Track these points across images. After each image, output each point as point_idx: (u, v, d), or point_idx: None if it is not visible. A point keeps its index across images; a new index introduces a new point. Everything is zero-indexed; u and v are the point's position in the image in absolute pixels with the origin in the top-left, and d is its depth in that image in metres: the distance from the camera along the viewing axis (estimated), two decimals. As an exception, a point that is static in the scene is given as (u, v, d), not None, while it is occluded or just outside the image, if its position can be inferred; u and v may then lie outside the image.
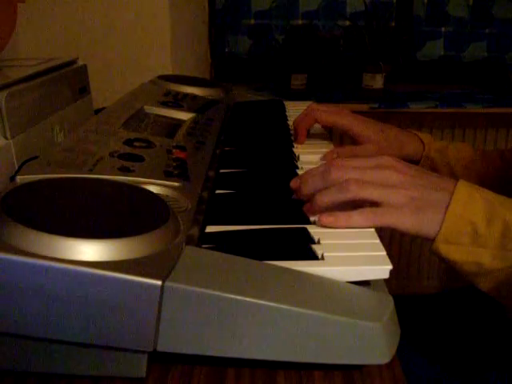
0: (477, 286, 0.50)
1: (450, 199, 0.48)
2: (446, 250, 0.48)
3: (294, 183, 0.54)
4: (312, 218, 0.48)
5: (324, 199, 0.48)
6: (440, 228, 0.48)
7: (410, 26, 1.89)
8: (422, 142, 0.77)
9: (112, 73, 1.14)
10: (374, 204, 0.49)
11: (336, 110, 0.74)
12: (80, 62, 0.84)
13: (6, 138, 0.56)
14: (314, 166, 0.53)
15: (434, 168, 0.77)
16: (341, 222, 0.47)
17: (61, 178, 0.46)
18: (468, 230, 0.48)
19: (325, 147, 0.70)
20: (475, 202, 0.49)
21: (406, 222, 0.48)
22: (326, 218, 0.47)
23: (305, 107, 0.75)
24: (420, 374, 0.71)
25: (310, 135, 0.76)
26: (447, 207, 0.48)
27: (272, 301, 0.35)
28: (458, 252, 0.48)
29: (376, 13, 1.73)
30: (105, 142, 0.56)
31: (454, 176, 0.77)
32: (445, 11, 1.89)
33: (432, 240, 0.49)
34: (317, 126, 0.76)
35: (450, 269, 0.50)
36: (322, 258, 0.41)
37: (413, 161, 0.76)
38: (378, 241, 0.44)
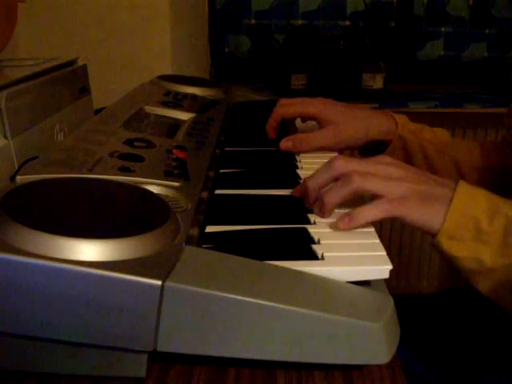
0: (475, 287, 0.50)
1: (453, 195, 0.48)
2: (447, 245, 0.48)
3: (297, 191, 0.53)
4: (313, 218, 0.48)
5: (331, 197, 0.48)
6: (443, 223, 0.48)
7: (410, 26, 1.89)
8: (397, 123, 0.75)
9: (112, 73, 1.14)
10: (376, 197, 0.48)
11: (300, 99, 0.74)
12: (80, 62, 0.84)
13: (6, 138, 0.56)
14: (315, 166, 0.53)
15: (406, 149, 0.75)
16: (358, 220, 0.46)
17: (61, 178, 0.46)
18: (470, 225, 0.48)
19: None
20: (477, 198, 0.49)
21: (412, 213, 0.48)
22: (343, 222, 0.46)
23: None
24: (420, 374, 0.71)
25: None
26: (450, 202, 0.48)
27: (272, 301, 0.35)
28: (459, 247, 0.48)
29: (376, 13, 1.73)
30: (105, 141, 0.56)
31: (428, 159, 0.76)
32: (445, 11, 1.89)
33: (435, 234, 0.48)
34: (313, 123, 0.75)
35: (450, 268, 0.50)
36: (322, 258, 0.41)
37: (384, 141, 0.74)
38: (378, 241, 0.44)
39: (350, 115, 0.72)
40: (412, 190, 0.49)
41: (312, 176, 0.51)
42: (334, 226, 0.47)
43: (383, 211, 0.47)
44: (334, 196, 0.48)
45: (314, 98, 0.74)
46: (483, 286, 0.49)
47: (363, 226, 0.47)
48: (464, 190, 0.49)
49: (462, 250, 0.48)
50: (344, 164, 0.50)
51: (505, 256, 0.47)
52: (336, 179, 0.49)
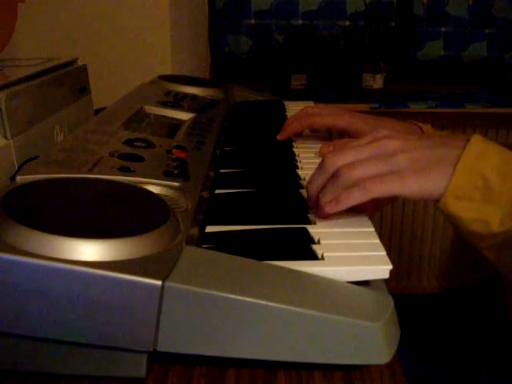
0: (480, 251, 0.47)
1: (462, 153, 0.45)
2: (455, 206, 0.45)
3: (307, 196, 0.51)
4: (313, 219, 0.48)
5: (326, 198, 0.47)
6: (449, 182, 0.45)
7: (410, 26, 1.89)
8: (422, 131, 0.74)
9: (112, 73, 1.14)
10: None
11: (330, 111, 0.73)
12: (80, 62, 0.84)
13: (6, 137, 0.56)
14: (315, 166, 0.53)
15: None
16: (343, 203, 0.45)
17: (61, 178, 0.46)
18: (480, 184, 0.45)
19: (325, 147, 0.70)
20: (488, 156, 0.45)
21: (409, 185, 0.45)
22: (327, 207, 0.45)
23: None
24: (419, 374, 0.71)
25: (311, 135, 0.76)
26: (457, 161, 0.45)
27: (272, 301, 0.35)
28: (467, 209, 0.45)
29: (376, 13, 1.73)
30: (105, 141, 0.56)
31: None
32: (445, 11, 1.89)
33: (438, 200, 0.46)
34: None
35: (450, 268, 0.49)
36: (322, 258, 0.41)
37: None
38: (378, 241, 0.44)
39: (378, 126, 0.71)
40: (409, 159, 0.46)
41: (309, 180, 0.50)
42: (333, 225, 0.47)
43: (370, 192, 0.45)
44: (328, 198, 0.47)
45: (342, 111, 0.73)
46: (488, 250, 0.47)
47: (355, 210, 0.47)
48: (475, 147, 0.46)
49: (471, 211, 0.45)
50: (333, 161, 0.48)
51: None
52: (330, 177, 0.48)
